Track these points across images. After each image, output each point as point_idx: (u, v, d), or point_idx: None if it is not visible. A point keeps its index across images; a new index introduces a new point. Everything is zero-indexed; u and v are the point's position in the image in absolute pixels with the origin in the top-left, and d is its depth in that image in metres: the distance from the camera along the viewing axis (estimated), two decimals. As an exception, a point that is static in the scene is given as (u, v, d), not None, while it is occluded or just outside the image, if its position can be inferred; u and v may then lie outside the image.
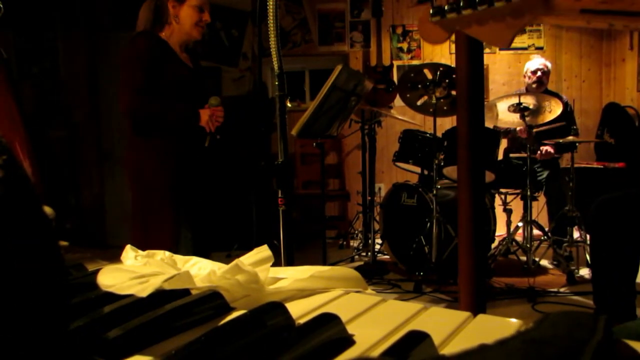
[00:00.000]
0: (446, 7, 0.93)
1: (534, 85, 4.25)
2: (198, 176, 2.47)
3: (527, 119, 3.60)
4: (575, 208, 3.77)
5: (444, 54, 5.48)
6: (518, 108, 3.57)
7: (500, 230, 4.31)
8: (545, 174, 4.16)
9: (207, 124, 2.33)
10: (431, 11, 0.96)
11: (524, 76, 4.40)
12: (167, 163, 2.31)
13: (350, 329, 0.61)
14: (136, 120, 2.32)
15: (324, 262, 3.21)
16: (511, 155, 4.17)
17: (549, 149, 4.13)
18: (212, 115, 2.34)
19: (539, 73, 4.26)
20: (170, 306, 0.65)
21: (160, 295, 0.68)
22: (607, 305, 2.41)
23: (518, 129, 4.10)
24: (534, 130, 3.72)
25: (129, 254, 0.91)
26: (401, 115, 4.47)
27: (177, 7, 2.35)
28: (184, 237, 2.36)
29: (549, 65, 4.35)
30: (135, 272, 0.73)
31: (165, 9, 2.34)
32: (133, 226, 2.38)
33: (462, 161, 1.74)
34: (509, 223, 4.20)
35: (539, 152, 4.12)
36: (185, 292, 0.73)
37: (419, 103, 3.78)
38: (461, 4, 0.91)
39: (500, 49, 5.44)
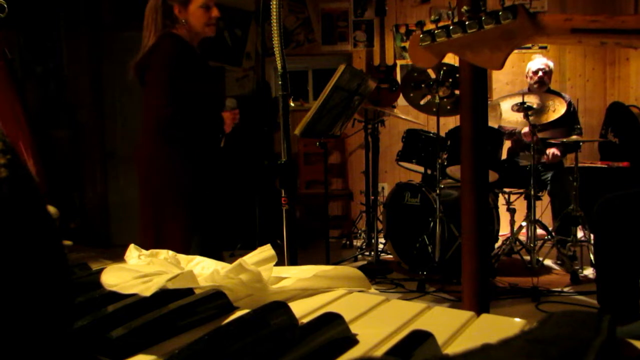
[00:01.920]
0: (436, 31, 0.92)
1: (535, 86, 4.25)
2: (203, 176, 2.45)
3: (530, 118, 3.59)
4: (579, 207, 3.76)
5: (447, 53, 5.46)
6: (522, 107, 3.56)
7: (504, 230, 4.30)
8: (549, 173, 4.15)
9: (228, 127, 2.32)
10: (421, 35, 0.95)
11: (526, 76, 4.39)
12: (185, 166, 2.25)
13: (354, 328, 0.61)
14: (168, 126, 2.21)
15: (327, 262, 3.21)
16: (517, 160, 4.16)
17: (556, 151, 4.11)
18: (233, 118, 2.33)
19: (540, 73, 4.25)
20: (174, 305, 0.66)
21: (163, 295, 0.68)
22: (611, 305, 2.40)
23: (523, 131, 4.09)
24: (538, 135, 3.70)
25: (133, 253, 0.91)
26: (404, 115, 4.46)
27: (183, 11, 2.23)
28: (194, 240, 2.33)
29: (551, 64, 4.33)
30: (138, 272, 0.73)
31: (172, 9, 2.23)
32: (143, 229, 2.29)
33: (465, 160, 1.74)
34: (512, 222, 4.19)
35: (545, 155, 4.11)
36: (189, 291, 0.73)
37: (422, 102, 3.78)
38: (451, 28, 0.90)
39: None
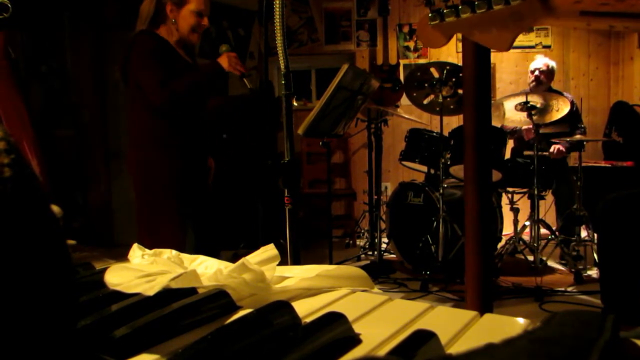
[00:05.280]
0: (445, 11, 0.93)
1: (532, 84, 4.26)
2: (204, 175, 2.47)
3: (534, 117, 3.58)
4: (583, 207, 3.75)
5: (450, 52, 5.46)
6: (525, 107, 3.55)
7: (507, 229, 4.29)
8: (553, 173, 4.14)
9: (231, 66, 2.29)
10: (430, 15, 0.96)
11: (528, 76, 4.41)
12: (173, 162, 2.28)
13: (357, 328, 0.61)
14: (175, 105, 2.26)
15: (330, 261, 3.21)
16: (519, 159, 4.15)
17: (561, 147, 4.09)
18: (230, 57, 2.30)
19: (536, 72, 4.25)
20: (177, 305, 0.66)
21: (167, 294, 0.68)
22: (615, 305, 2.40)
23: (524, 128, 4.08)
24: (539, 134, 3.69)
25: (136, 252, 0.91)
26: (407, 114, 4.46)
27: (175, 11, 2.28)
28: (190, 238, 2.35)
29: (551, 64, 4.32)
30: (142, 271, 0.74)
31: (164, 6, 2.28)
32: (138, 227, 2.34)
33: (468, 160, 1.73)
34: (516, 222, 4.19)
35: (550, 151, 4.09)
36: (192, 290, 0.73)
37: (425, 102, 3.78)
38: (460, 8, 0.90)
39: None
